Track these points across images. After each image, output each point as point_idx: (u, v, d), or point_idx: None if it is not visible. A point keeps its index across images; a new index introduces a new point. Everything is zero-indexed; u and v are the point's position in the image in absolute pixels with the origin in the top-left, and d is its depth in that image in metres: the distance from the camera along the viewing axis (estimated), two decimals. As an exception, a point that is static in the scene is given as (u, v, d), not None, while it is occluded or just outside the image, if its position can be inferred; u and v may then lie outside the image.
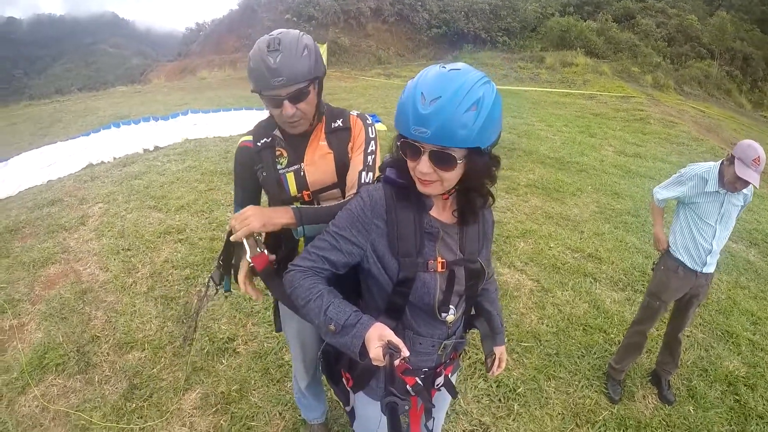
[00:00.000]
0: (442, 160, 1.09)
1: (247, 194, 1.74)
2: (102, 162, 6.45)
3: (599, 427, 2.84)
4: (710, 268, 2.77)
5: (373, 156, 1.65)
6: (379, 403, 1.41)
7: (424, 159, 1.10)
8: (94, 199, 5.19)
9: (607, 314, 3.82)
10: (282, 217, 1.44)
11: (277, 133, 1.64)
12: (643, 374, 3.29)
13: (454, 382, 1.60)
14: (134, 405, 2.88)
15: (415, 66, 19.22)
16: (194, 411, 2.87)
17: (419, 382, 1.39)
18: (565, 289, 4.16)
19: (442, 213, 1.31)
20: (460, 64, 1.11)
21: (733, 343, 3.76)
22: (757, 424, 3.03)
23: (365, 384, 1.47)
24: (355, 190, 1.54)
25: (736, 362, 3.55)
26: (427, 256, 1.26)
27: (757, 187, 2.56)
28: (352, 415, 1.75)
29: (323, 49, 19.07)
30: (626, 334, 3.12)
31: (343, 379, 1.54)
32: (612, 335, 3.60)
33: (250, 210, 1.43)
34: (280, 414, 2.79)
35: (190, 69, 22.45)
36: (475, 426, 2.78)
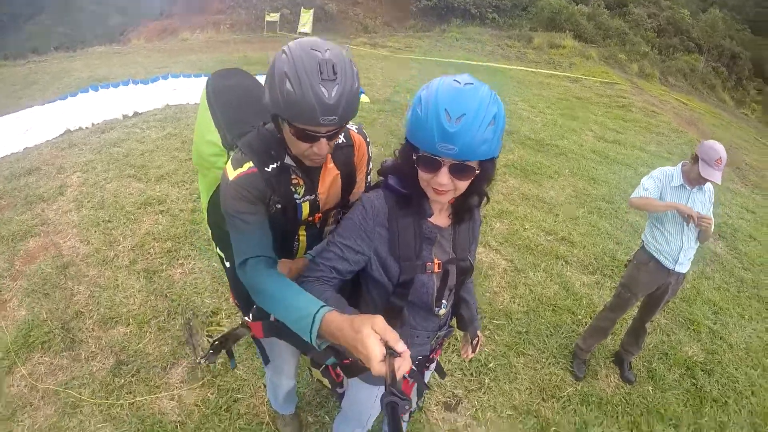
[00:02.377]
0: (462, 172, 1.11)
1: (261, 229, 1.31)
2: (80, 128, 5.99)
3: (563, 402, 2.89)
4: (683, 268, 2.74)
5: (370, 173, 1.60)
6: (373, 387, 1.53)
7: (444, 172, 1.10)
8: (73, 168, 4.84)
9: (576, 296, 3.83)
10: (299, 269, 1.37)
11: (289, 161, 1.34)
12: (607, 355, 3.34)
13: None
14: (122, 380, 2.76)
15: (402, 37, 18.21)
16: (181, 384, 2.76)
17: (414, 368, 1.48)
18: (538, 270, 4.14)
19: (438, 217, 1.32)
20: (469, 78, 1.10)
21: (694, 330, 3.80)
22: (711, 407, 3.09)
23: (360, 373, 1.48)
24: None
25: (696, 348, 3.60)
26: (425, 258, 1.27)
27: (719, 184, 2.60)
28: (341, 396, 1.75)
29: (308, 15, 18.02)
30: (595, 318, 3.13)
31: (333, 374, 1.58)
32: (579, 316, 3.62)
33: (284, 267, 1.35)
34: (265, 386, 2.68)
35: (172, 30, 20.97)
36: (449, 398, 2.78)
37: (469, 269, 1.40)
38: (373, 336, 0.91)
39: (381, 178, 1.33)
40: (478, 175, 1.15)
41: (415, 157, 1.14)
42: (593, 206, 5.46)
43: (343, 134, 1.44)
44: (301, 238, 1.50)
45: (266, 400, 2.65)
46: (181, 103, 7.02)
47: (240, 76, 1.55)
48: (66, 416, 2.57)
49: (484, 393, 2.87)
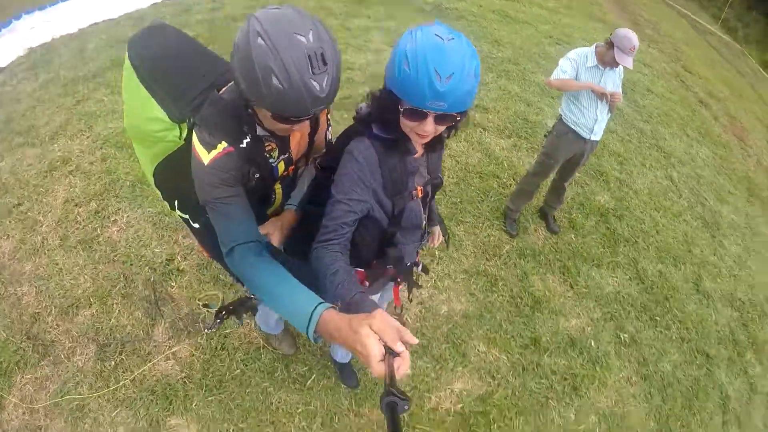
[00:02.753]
0: (446, 120, 1.19)
1: (244, 212, 1.25)
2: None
3: (504, 259, 3.24)
4: (597, 137, 3.02)
5: (330, 127, 1.61)
6: (373, 296, 1.77)
7: (430, 121, 1.17)
8: (-46, 163, 3.97)
9: (498, 161, 3.99)
10: (290, 222, 1.49)
11: (261, 131, 1.31)
12: (533, 212, 3.66)
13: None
14: (113, 362, 2.52)
15: None
16: (170, 342, 2.55)
17: (405, 275, 1.69)
18: (459, 141, 4.19)
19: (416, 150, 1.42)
20: (447, 30, 1.13)
21: (603, 180, 4.21)
22: (624, 246, 3.69)
23: (374, 282, 1.62)
24: (323, 150, 1.59)
25: (607, 197, 4.04)
26: (410, 188, 1.40)
27: (631, 68, 2.83)
28: None
29: None
30: (520, 182, 3.44)
31: None
32: (504, 179, 3.85)
33: (270, 228, 1.44)
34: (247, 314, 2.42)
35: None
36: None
37: (441, 184, 1.56)
38: (372, 336, 0.89)
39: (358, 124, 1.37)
40: (459, 119, 1.23)
41: (401, 108, 1.19)
42: (501, 69, 5.47)
43: None
44: (277, 192, 1.51)
45: (253, 325, 2.57)
46: (45, 41, 5.71)
47: (160, 35, 1.37)
48: (78, 421, 2.36)
49: (437, 264, 3.14)
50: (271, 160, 1.36)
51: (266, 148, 1.33)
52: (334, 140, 1.49)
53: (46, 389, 2.46)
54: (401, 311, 1.76)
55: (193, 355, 2.48)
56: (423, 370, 2.65)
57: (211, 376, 2.43)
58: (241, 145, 1.23)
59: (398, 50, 1.13)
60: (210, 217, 1.26)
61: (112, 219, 3.08)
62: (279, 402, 2.42)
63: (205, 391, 2.40)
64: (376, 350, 0.86)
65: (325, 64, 1.02)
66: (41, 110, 4.22)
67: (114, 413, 2.36)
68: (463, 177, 3.74)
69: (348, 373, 2.54)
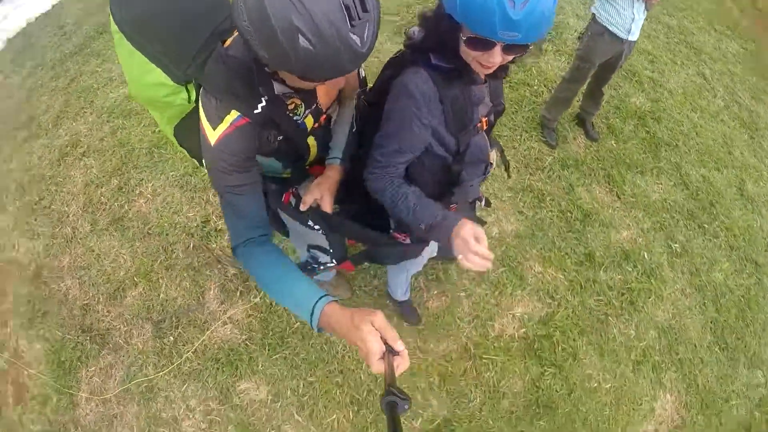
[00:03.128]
0: (517, 50, 1.13)
1: (253, 202, 1.24)
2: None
3: (548, 171, 3.34)
4: (634, 36, 3.00)
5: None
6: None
7: (497, 51, 1.12)
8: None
9: (525, 68, 4.00)
10: (336, 176, 1.43)
11: (279, 89, 1.20)
12: (569, 119, 3.70)
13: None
14: (171, 337, 2.66)
15: None
16: (223, 306, 2.68)
17: (470, 211, 1.78)
18: None
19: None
20: None
21: (636, 81, 4.27)
22: (665, 150, 3.78)
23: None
24: (358, 89, 1.51)
25: (642, 98, 4.12)
26: (476, 121, 1.36)
27: None
28: None
29: None
30: (557, 89, 3.46)
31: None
32: (535, 86, 3.88)
33: (316, 193, 1.39)
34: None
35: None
36: None
37: (503, 111, 1.51)
38: (373, 333, 0.93)
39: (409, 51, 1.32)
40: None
41: (464, 37, 1.14)
42: None
43: None
44: (310, 145, 1.42)
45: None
46: (20, 27, 5.81)
47: None
48: (150, 402, 2.54)
49: (482, 184, 3.01)
50: (296, 118, 1.28)
51: (288, 107, 1.24)
52: (367, 76, 1.48)
53: (113, 377, 2.64)
54: None
55: (250, 315, 2.58)
56: (483, 297, 2.82)
57: (271, 334, 2.54)
58: (256, 111, 1.14)
59: None
60: (221, 207, 1.27)
61: (137, 192, 3.16)
62: (344, 350, 2.53)
63: (269, 350, 2.52)
64: (376, 347, 0.92)
65: (366, 10, 0.91)
66: (36, 98, 4.31)
67: (183, 388, 2.51)
68: None
69: (409, 310, 2.66)
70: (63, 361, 2.76)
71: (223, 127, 1.12)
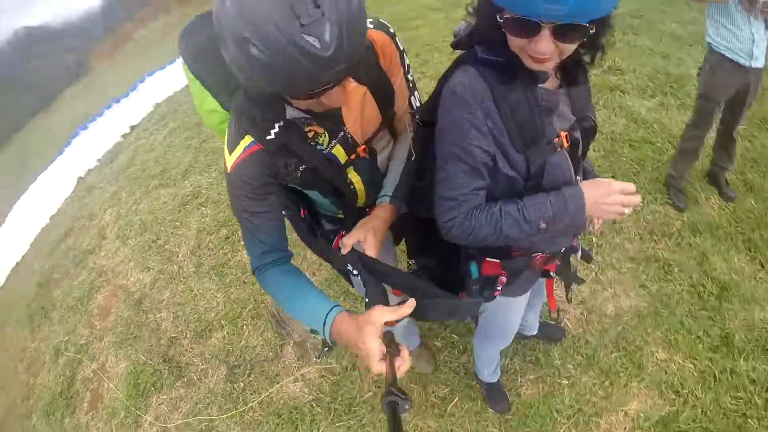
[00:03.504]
0: (570, 33, 0.96)
1: (270, 227, 1.33)
2: (89, 170, 6.49)
3: (676, 239, 3.12)
4: (759, 62, 2.78)
5: (410, 71, 1.43)
6: (518, 298, 1.62)
7: (545, 36, 0.96)
8: (101, 209, 5.22)
9: (646, 124, 3.95)
10: (385, 217, 1.40)
11: (293, 113, 1.22)
12: (700, 177, 3.48)
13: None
14: (242, 384, 2.97)
15: None
16: (299, 363, 2.95)
17: (558, 263, 1.52)
18: (598, 108, 4.12)
19: (546, 81, 1.18)
20: None
21: None
22: None
23: (515, 279, 1.48)
24: (409, 126, 1.44)
25: None
26: (550, 134, 1.17)
27: None
28: (476, 317, 1.84)
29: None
30: (681, 140, 3.28)
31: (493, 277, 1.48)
32: (658, 144, 3.77)
33: (360, 235, 1.35)
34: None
35: (125, 35, 21.86)
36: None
37: (595, 129, 1.30)
38: (373, 334, 1.01)
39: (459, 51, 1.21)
40: (594, 33, 0.98)
41: (500, 20, 0.99)
42: (625, 25, 5.48)
43: None
44: (353, 180, 1.43)
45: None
46: (169, 95, 7.31)
47: (206, 24, 1.36)
48: None
49: (596, 254, 3.05)
50: (320, 147, 1.29)
51: (307, 134, 1.26)
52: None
53: (179, 409, 3.02)
54: (558, 316, 1.87)
55: (323, 376, 2.82)
56: (589, 388, 2.58)
57: (340, 399, 2.73)
58: (269, 137, 1.18)
59: None
60: (241, 228, 1.35)
61: (241, 243, 3.70)
62: (415, 429, 2.58)
63: (333, 416, 2.70)
64: (375, 348, 1.00)
65: (317, 6, 0.88)
66: (171, 154, 5.36)
67: None
68: (611, 148, 3.78)
69: (497, 395, 2.53)
70: (139, 383, 3.24)
71: (237, 153, 1.19)
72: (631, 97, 4.27)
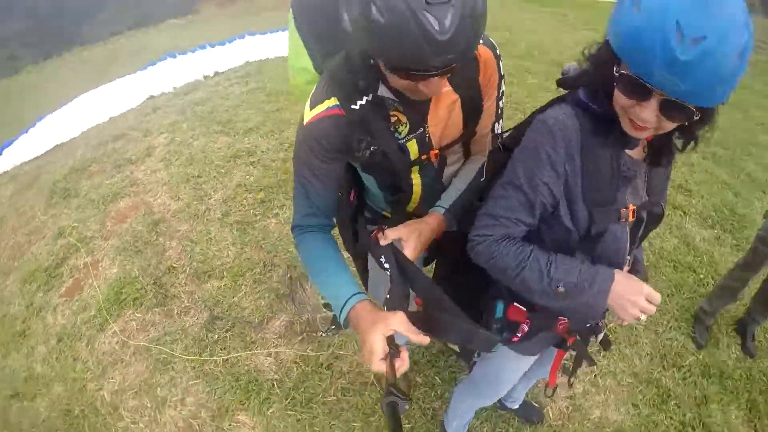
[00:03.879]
0: (676, 112, 0.95)
1: (324, 195, 1.35)
2: (162, 93, 6.66)
3: (684, 372, 3.07)
4: None
5: (502, 98, 1.45)
6: (523, 357, 1.59)
7: (652, 106, 0.95)
8: (158, 130, 5.35)
9: (697, 252, 3.96)
10: (433, 225, 1.38)
11: (384, 92, 1.22)
12: (730, 322, 3.43)
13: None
14: (216, 336, 2.98)
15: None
16: (279, 340, 2.95)
17: (579, 338, 1.48)
18: None
19: (634, 149, 1.19)
20: None
21: None
22: None
23: (533, 336, 1.44)
24: (487, 148, 1.45)
25: None
26: (619, 203, 1.15)
27: None
28: (472, 364, 1.85)
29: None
30: (725, 277, 3.24)
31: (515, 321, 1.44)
32: (701, 276, 3.74)
33: (404, 233, 1.34)
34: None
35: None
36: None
37: (662, 216, 1.30)
38: (382, 334, 1.06)
39: (563, 90, 1.21)
40: (699, 119, 0.98)
41: (616, 73, 0.98)
42: (708, 152, 5.44)
43: None
44: (414, 181, 1.43)
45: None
46: (261, 59, 7.53)
47: None
48: (157, 372, 2.86)
49: (603, 356, 3.00)
50: (397, 135, 1.29)
51: (390, 118, 1.26)
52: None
53: (147, 332, 3.05)
54: (552, 394, 1.75)
55: (296, 362, 2.82)
56: None
57: (302, 390, 2.71)
58: (353, 107, 1.19)
59: None
60: (294, 181, 1.36)
61: (274, 212, 3.80)
62: None
63: (289, 403, 2.68)
64: (379, 347, 1.05)
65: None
66: (243, 109, 5.48)
67: (191, 382, 2.79)
68: (655, 262, 3.75)
69: None
70: (122, 292, 3.29)
71: (318, 110, 1.21)
72: (690, 221, 4.30)
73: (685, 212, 4.36)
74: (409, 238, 1.32)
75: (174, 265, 3.47)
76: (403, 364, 1.07)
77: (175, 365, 2.90)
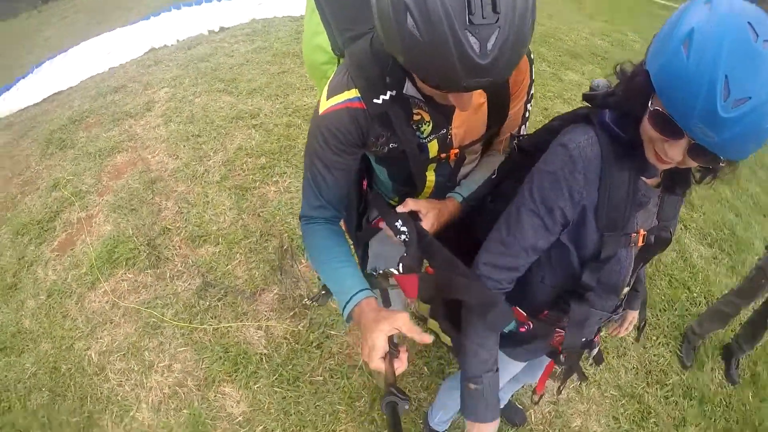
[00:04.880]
0: (702, 155, 0.93)
1: (336, 188, 1.30)
2: (165, 45, 6.45)
3: (667, 391, 3.08)
4: None
5: (530, 102, 1.39)
6: (514, 362, 1.60)
7: (681, 146, 0.93)
8: (159, 84, 5.20)
9: (693, 269, 3.94)
10: (451, 209, 1.38)
11: (411, 91, 1.16)
12: (716, 345, 3.45)
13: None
14: (207, 303, 2.95)
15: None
16: (270, 313, 2.91)
17: (572, 354, 1.49)
18: None
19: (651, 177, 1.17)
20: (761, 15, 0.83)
21: None
22: None
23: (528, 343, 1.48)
24: (502, 146, 1.44)
25: None
26: (630, 228, 1.15)
27: None
28: None
29: None
30: (718, 302, 3.24)
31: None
32: (695, 294, 3.74)
33: (424, 206, 1.33)
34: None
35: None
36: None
37: (668, 242, 1.26)
38: (385, 333, 1.05)
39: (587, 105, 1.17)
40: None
41: (651, 108, 0.95)
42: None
43: None
44: (428, 177, 1.40)
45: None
46: (267, 17, 7.29)
47: None
48: (146, 336, 2.83)
49: (591, 365, 2.90)
50: (419, 134, 1.23)
51: (414, 117, 1.20)
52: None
53: (138, 294, 3.01)
54: (538, 401, 1.80)
55: (286, 338, 2.79)
56: None
57: (290, 368, 2.69)
58: (375, 101, 1.12)
59: (682, 18, 0.87)
60: (304, 169, 1.31)
61: (274, 179, 3.71)
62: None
63: (276, 379, 2.66)
64: (380, 346, 1.05)
65: (495, 11, 0.80)
66: (247, 68, 5.32)
67: (180, 349, 2.77)
68: (651, 274, 3.73)
69: None
70: (115, 251, 3.24)
71: (337, 100, 1.14)
72: (690, 236, 4.27)
73: (685, 226, 4.36)
74: (429, 213, 1.32)
75: (169, 227, 3.40)
76: (401, 366, 1.07)
77: (165, 330, 2.87)
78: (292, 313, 2.89)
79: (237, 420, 2.54)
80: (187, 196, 3.63)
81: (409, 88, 1.16)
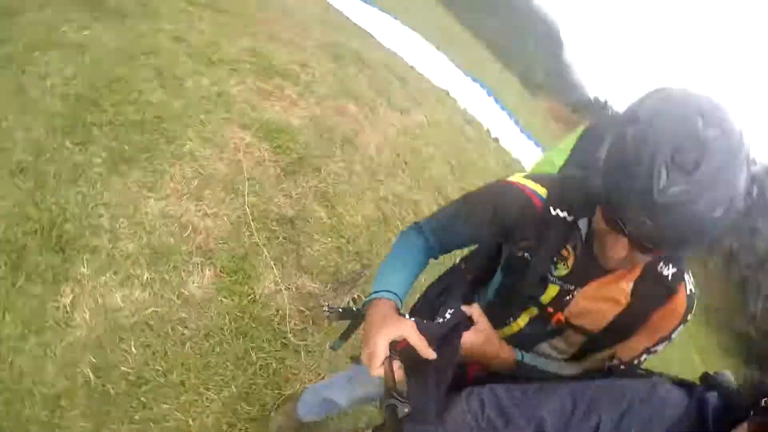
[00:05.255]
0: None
1: (461, 238, 1.35)
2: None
3: None
4: None
5: (662, 345, 1.21)
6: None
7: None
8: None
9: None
10: (503, 355, 1.22)
11: (582, 225, 1.14)
12: None
13: None
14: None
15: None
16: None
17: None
18: None
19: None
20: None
21: None
22: None
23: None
24: (599, 364, 1.25)
25: None
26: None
27: None
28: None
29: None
30: None
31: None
32: None
33: (483, 324, 1.20)
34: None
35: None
36: None
37: None
38: (387, 337, 1.03)
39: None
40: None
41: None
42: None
43: (673, 279, 1.13)
44: (521, 318, 1.28)
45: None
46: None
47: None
48: None
49: None
50: (551, 266, 1.17)
51: (562, 252, 1.16)
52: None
53: None
54: None
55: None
56: None
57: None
58: (552, 209, 1.14)
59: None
60: (443, 212, 1.36)
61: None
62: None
63: (269, 344, 2.56)
64: (380, 352, 1.03)
65: (696, 166, 0.80)
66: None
67: None
68: None
69: None
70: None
71: (527, 183, 1.18)
72: None
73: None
74: (482, 332, 1.19)
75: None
76: (401, 371, 1.06)
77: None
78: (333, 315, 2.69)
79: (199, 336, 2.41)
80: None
81: (582, 223, 1.14)
